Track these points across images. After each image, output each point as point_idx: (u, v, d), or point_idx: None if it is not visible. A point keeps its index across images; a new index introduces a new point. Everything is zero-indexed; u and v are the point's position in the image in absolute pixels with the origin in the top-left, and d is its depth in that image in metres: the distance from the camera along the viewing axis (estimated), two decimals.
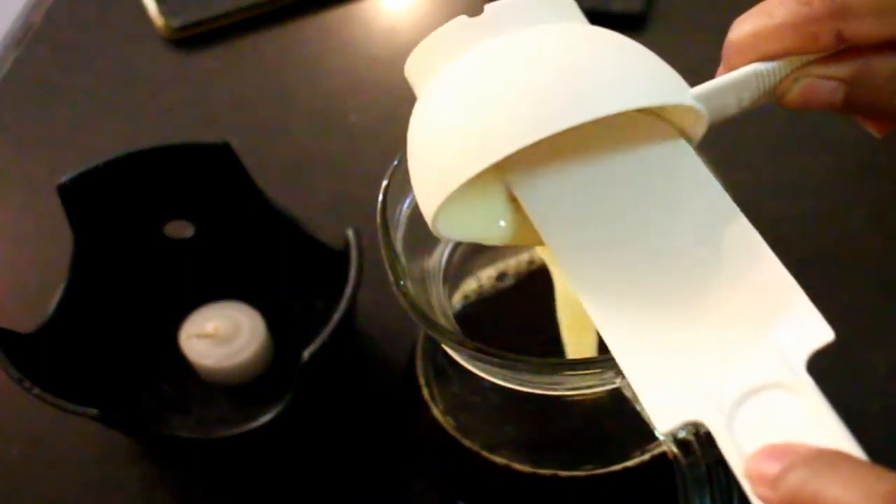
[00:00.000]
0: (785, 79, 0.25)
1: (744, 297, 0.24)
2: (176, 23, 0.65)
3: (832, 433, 0.21)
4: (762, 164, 0.56)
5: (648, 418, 0.24)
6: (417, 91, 0.27)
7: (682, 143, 0.27)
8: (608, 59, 0.25)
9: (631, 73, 0.25)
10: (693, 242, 0.25)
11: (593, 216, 0.26)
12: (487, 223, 0.28)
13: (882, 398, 0.46)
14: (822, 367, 0.51)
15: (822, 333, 0.23)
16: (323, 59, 0.65)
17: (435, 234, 0.27)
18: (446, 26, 0.26)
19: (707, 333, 0.24)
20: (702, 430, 0.23)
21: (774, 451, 0.21)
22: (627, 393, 0.25)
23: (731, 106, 0.26)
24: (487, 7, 0.26)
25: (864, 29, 0.24)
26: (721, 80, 0.25)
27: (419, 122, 0.26)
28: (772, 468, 0.21)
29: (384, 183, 0.30)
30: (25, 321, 0.45)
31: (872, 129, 0.27)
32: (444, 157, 0.25)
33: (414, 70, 0.27)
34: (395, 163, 0.30)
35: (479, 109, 0.24)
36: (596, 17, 0.72)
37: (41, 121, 0.63)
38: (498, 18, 0.25)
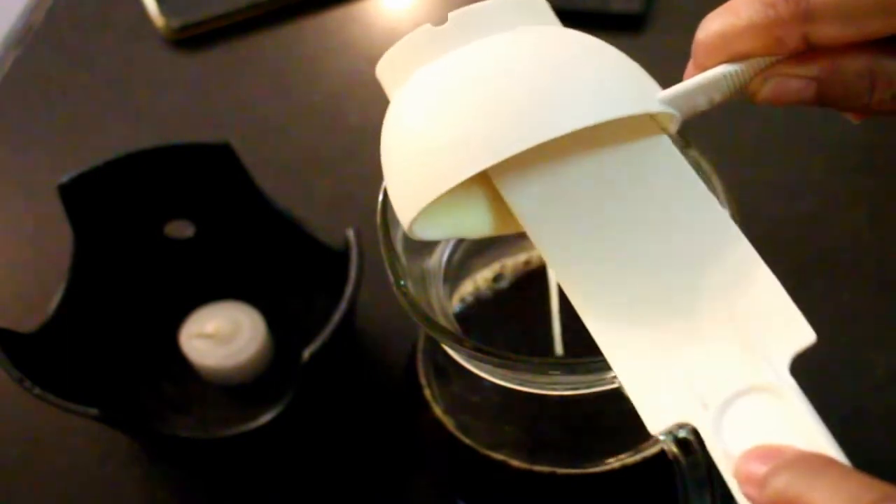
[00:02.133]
0: (755, 78, 0.25)
1: (729, 300, 0.24)
2: (176, 23, 0.66)
3: (814, 436, 0.22)
4: (762, 164, 0.56)
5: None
6: (389, 94, 0.27)
7: (665, 139, 0.27)
8: (577, 68, 0.25)
9: (602, 83, 0.25)
10: (680, 244, 0.25)
11: (578, 217, 0.26)
12: (462, 220, 0.28)
13: (882, 398, 0.46)
14: (822, 367, 0.51)
15: (804, 336, 0.23)
16: (323, 59, 0.65)
17: (411, 237, 0.27)
18: (412, 35, 0.26)
19: (695, 336, 0.24)
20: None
21: (762, 453, 0.22)
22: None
23: (701, 104, 0.26)
24: (451, 15, 0.25)
25: (830, 32, 0.24)
26: (691, 82, 0.25)
27: (392, 130, 0.26)
28: (759, 469, 0.21)
29: (384, 183, 0.30)
30: (26, 321, 0.45)
31: (849, 117, 0.27)
32: (419, 169, 0.25)
33: (384, 74, 0.27)
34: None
35: (449, 122, 0.24)
36: (596, 17, 0.72)
37: (41, 121, 0.63)
38: (462, 26, 0.25)
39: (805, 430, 0.22)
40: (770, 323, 0.24)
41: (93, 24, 0.68)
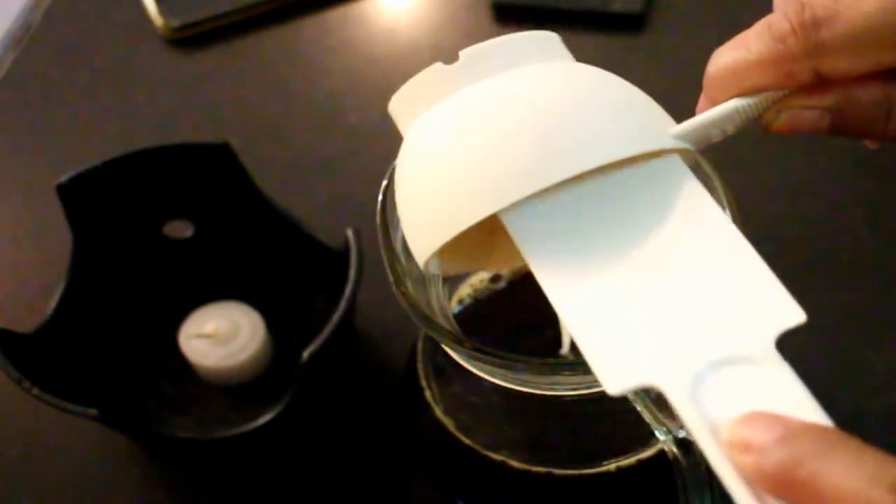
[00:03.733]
0: (769, 110, 0.25)
1: (714, 279, 0.23)
2: (175, 22, 0.65)
3: (807, 409, 0.20)
4: (762, 164, 0.56)
5: (602, 378, 0.22)
6: (402, 131, 0.27)
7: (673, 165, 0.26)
8: (590, 105, 0.25)
9: (617, 120, 0.24)
10: (664, 223, 0.24)
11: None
12: (477, 254, 0.29)
13: (882, 398, 0.46)
14: (822, 367, 0.51)
15: (792, 315, 0.22)
16: (323, 59, 0.65)
17: (426, 273, 0.27)
18: (423, 73, 0.26)
19: (670, 306, 0.23)
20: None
21: (762, 419, 0.20)
22: (629, 394, 0.25)
23: (715, 136, 0.26)
24: (462, 53, 0.25)
25: (841, 65, 0.24)
26: (704, 116, 0.25)
27: (406, 169, 0.26)
28: (759, 436, 0.19)
29: (384, 183, 0.30)
30: (25, 321, 0.45)
31: (867, 143, 0.27)
32: (434, 209, 0.25)
33: (397, 111, 0.27)
34: (395, 163, 0.30)
35: (463, 162, 0.24)
36: (596, 17, 0.73)
37: (40, 121, 0.63)
38: (474, 64, 0.25)
39: (797, 403, 0.20)
40: (754, 299, 0.22)
41: (91, 23, 0.68)
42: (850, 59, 0.23)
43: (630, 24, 0.63)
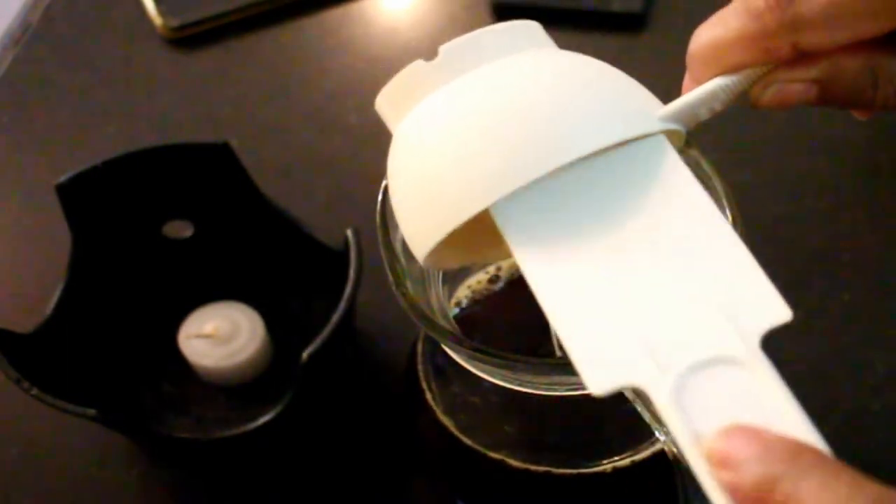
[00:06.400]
0: (755, 85, 0.25)
1: (700, 273, 0.23)
2: (175, 22, 0.65)
3: (789, 418, 0.20)
4: (762, 164, 0.56)
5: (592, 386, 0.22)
6: (391, 129, 0.27)
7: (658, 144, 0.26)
8: (577, 92, 0.25)
9: (605, 105, 0.24)
10: (650, 214, 0.24)
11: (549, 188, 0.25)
12: (477, 247, 0.29)
13: (882, 398, 0.46)
14: (822, 367, 0.51)
15: (778, 312, 0.22)
16: (323, 58, 0.65)
17: (425, 267, 0.27)
18: (405, 71, 0.26)
19: (655, 303, 0.23)
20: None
21: (742, 434, 0.20)
22: (627, 393, 0.25)
23: (703, 115, 0.26)
24: (441, 49, 0.25)
25: (820, 39, 0.23)
26: (690, 96, 0.25)
27: (397, 167, 0.26)
28: (738, 452, 0.19)
29: (384, 183, 0.30)
30: (24, 321, 0.45)
31: (856, 114, 0.27)
32: (429, 206, 0.25)
33: (383, 109, 0.27)
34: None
35: (453, 157, 0.24)
36: (596, 16, 0.72)
37: (39, 120, 0.63)
38: (455, 59, 0.25)
39: (780, 411, 0.20)
40: (740, 295, 0.22)
41: (91, 23, 0.68)
42: (827, 32, 0.23)
43: (630, 23, 0.63)
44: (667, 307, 0.22)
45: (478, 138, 0.24)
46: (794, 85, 0.24)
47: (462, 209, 0.24)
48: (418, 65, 0.26)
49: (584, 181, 0.25)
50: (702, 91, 0.25)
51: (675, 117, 0.25)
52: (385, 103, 0.27)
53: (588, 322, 0.22)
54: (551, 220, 0.24)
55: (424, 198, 0.25)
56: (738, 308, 0.22)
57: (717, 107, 0.25)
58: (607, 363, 0.22)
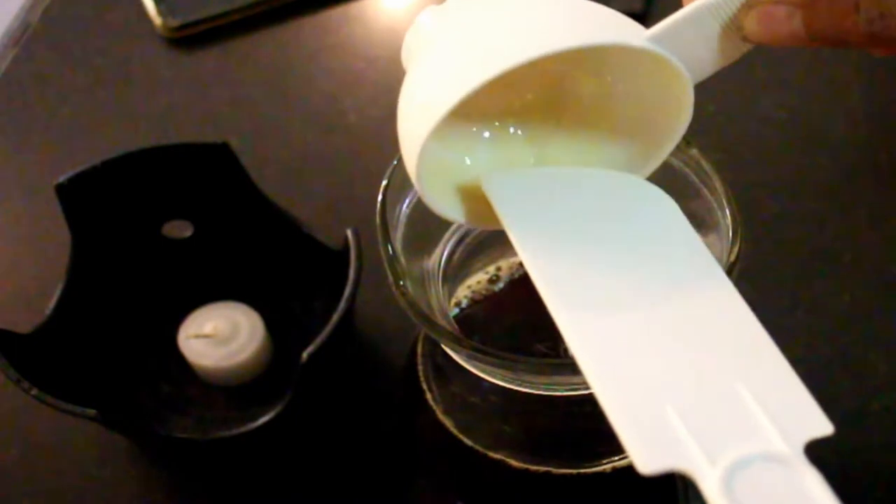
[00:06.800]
0: (740, 11, 0.25)
1: (738, 370, 0.23)
2: (174, 22, 0.65)
3: None
4: (762, 164, 0.56)
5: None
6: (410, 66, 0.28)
7: (671, 202, 0.27)
8: (578, 4, 0.26)
9: (599, 17, 0.26)
10: (685, 310, 0.25)
11: (586, 265, 0.26)
12: (469, 205, 0.29)
13: (882, 398, 0.46)
14: (822, 367, 0.51)
15: (822, 425, 0.22)
16: (323, 58, 0.65)
17: (421, 195, 0.27)
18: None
19: (690, 379, 0.23)
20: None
21: None
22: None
23: (705, 60, 0.26)
24: None
25: None
26: (674, 17, 0.26)
27: (403, 88, 0.27)
28: None
29: (384, 183, 0.30)
30: (24, 321, 0.45)
31: (871, 51, 0.27)
32: (424, 96, 0.26)
33: (405, 53, 0.28)
34: (395, 163, 0.30)
35: (460, 44, 0.26)
36: None
37: (39, 120, 0.63)
38: None
39: None
40: (781, 399, 0.23)
41: (90, 23, 0.68)
42: None
43: None
44: (703, 388, 0.23)
45: (481, 28, 0.26)
46: (777, 8, 0.25)
47: (470, 79, 0.24)
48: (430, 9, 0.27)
49: (618, 251, 0.26)
50: (687, 11, 0.26)
51: (663, 40, 0.26)
52: (407, 49, 0.28)
53: (626, 386, 0.23)
54: (584, 275, 0.25)
55: (424, 88, 0.26)
56: (781, 413, 0.22)
57: (721, 59, 0.26)
58: (655, 443, 0.22)
